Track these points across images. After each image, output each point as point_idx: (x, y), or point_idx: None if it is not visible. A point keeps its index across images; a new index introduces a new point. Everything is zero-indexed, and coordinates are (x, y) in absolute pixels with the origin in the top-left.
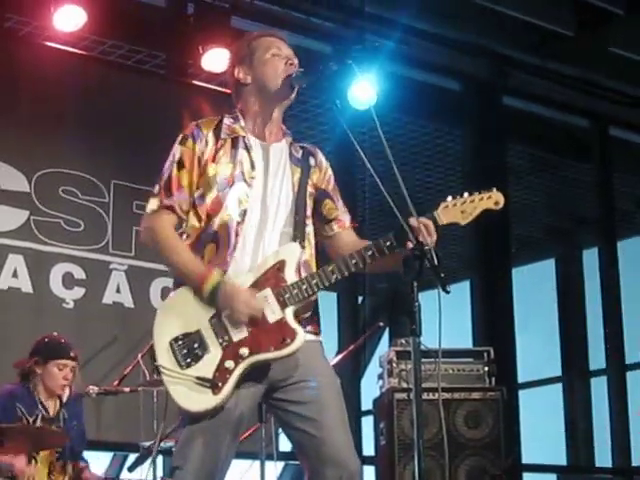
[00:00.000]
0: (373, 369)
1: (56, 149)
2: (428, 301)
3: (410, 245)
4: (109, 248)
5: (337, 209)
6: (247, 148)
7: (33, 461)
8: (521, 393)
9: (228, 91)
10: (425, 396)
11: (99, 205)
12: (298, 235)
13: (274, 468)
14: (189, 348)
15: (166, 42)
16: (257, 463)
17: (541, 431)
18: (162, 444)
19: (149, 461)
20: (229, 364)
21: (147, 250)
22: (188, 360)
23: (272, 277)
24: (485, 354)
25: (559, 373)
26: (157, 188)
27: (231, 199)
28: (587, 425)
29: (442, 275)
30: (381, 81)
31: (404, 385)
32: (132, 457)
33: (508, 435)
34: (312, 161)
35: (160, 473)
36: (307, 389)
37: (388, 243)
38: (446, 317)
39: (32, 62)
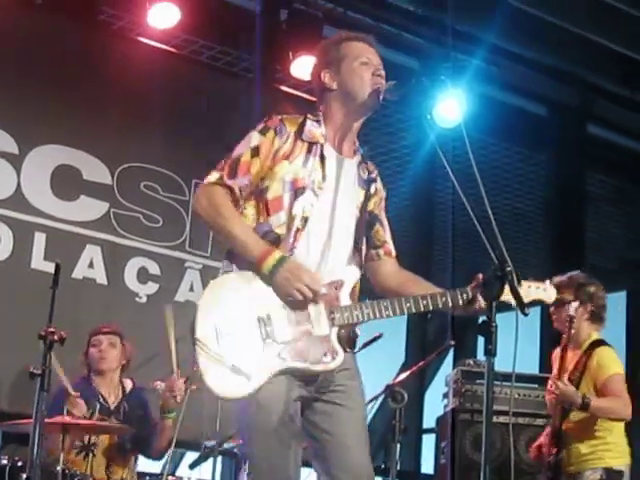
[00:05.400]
0: (435, 387)
1: (140, 144)
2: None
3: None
4: (186, 246)
5: (385, 234)
6: (322, 157)
7: (90, 454)
8: None
9: (314, 99)
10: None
11: (179, 202)
12: (356, 260)
13: None
14: (232, 335)
15: (257, 46)
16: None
17: None
18: (225, 445)
19: (210, 460)
20: (267, 361)
21: (222, 251)
22: (228, 346)
23: (329, 294)
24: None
25: None
26: (222, 164)
27: (296, 204)
28: None
29: (522, 298)
30: (466, 100)
31: (468, 406)
32: (190, 455)
33: None
34: (373, 188)
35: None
36: (334, 404)
37: (443, 299)
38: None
39: (123, 56)
